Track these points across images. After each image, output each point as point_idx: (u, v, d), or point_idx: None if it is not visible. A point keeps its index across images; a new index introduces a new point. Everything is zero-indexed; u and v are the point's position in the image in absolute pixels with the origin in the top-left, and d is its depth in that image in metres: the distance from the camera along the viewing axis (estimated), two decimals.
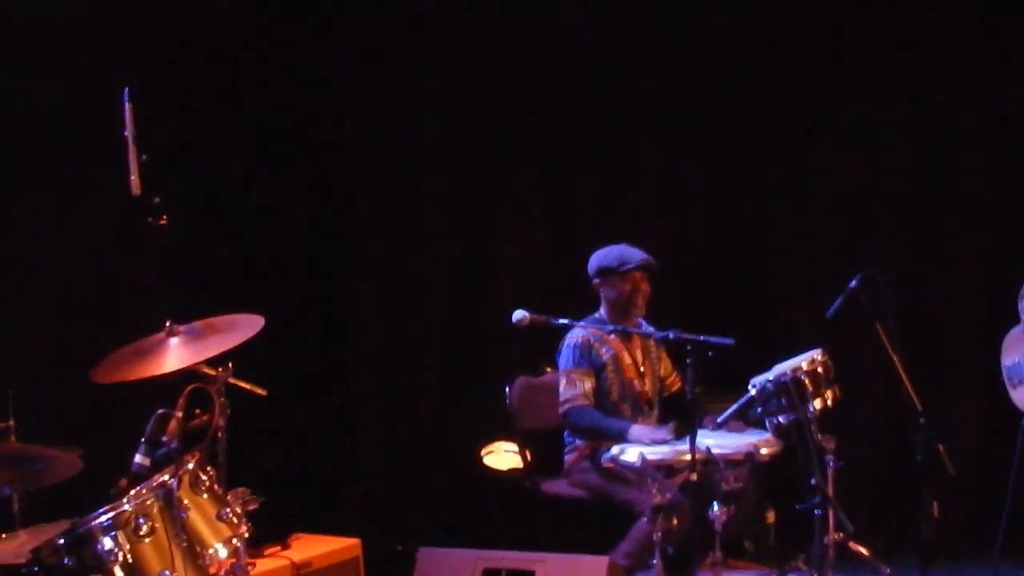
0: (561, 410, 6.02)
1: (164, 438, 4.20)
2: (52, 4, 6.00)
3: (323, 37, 7.41)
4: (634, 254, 6.03)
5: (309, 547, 5.59)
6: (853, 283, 5.66)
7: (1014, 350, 5.80)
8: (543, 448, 6.32)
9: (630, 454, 5.37)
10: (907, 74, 7.25)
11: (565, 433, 6.21)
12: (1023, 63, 7.07)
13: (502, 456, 6.61)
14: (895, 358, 5.54)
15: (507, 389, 6.40)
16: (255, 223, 7.11)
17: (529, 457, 6.32)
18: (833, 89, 7.29)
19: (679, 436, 5.51)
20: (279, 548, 5.52)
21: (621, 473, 5.57)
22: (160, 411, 4.21)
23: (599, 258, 6.12)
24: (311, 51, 7.36)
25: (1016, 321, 5.78)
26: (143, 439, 4.19)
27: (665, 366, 6.26)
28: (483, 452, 6.66)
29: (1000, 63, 7.13)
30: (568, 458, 6.18)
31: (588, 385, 6.01)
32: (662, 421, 6.05)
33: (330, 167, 7.55)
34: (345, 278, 7.61)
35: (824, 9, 7.27)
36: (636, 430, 5.76)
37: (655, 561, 5.26)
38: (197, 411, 4.35)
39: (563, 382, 6.04)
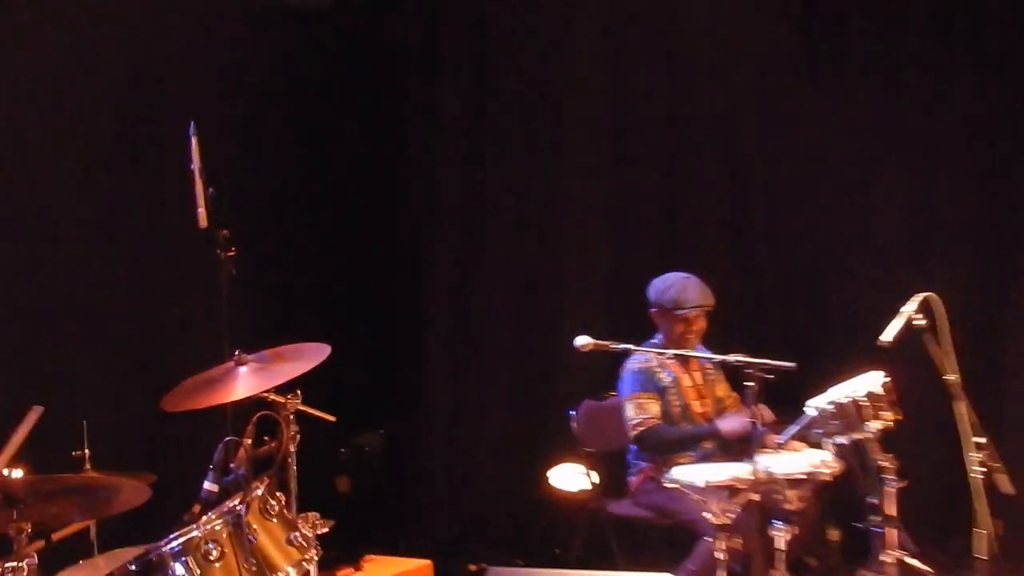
0: (634, 433, 5.89)
1: (232, 465, 4.10)
2: (121, 42, 5.97)
3: (388, 62, 7.30)
4: (690, 297, 5.90)
5: (381, 569, 5.50)
6: (910, 306, 5.43)
7: None
8: (608, 470, 6.21)
9: (694, 475, 5.20)
10: (966, 98, 7.00)
11: (629, 456, 6.09)
12: None
13: (570, 478, 6.49)
14: (952, 380, 5.31)
15: (572, 413, 6.25)
16: (324, 253, 7.07)
17: (596, 479, 6.15)
18: (895, 115, 7.09)
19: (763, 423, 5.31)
20: (352, 570, 5.40)
21: (686, 493, 5.31)
22: (228, 438, 4.12)
23: (657, 291, 6.00)
24: (374, 78, 7.31)
25: None
26: (211, 466, 4.10)
27: (723, 388, 6.11)
28: (550, 474, 6.56)
29: None
30: (633, 480, 6.07)
31: (656, 408, 5.90)
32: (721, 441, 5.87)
33: (395, 196, 7.50)
34: (415, 304, 7.53)
35: (885, 36, 7.09)
36: (726, 423, 5.68)
37: None
38: (266, 438, 4.26)
39: (630, 407, 5.92)
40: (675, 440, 5.85)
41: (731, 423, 5.68)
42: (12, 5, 5.65)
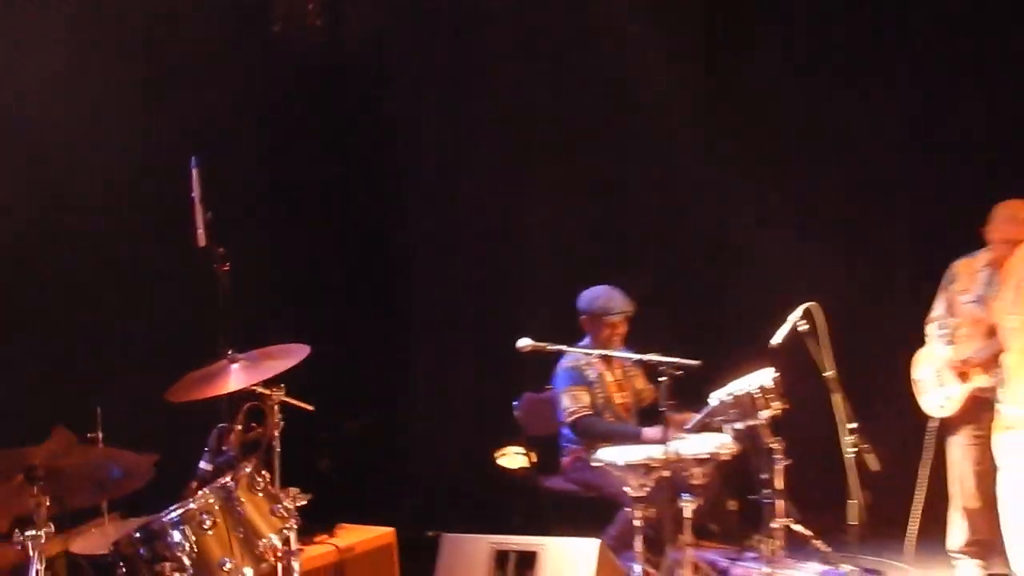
0: (569, 419, 5.85)
1: (224, 447, 4.12)
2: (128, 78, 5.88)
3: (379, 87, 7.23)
4: (615, 305, 5.90)
5: (352, 535, 5.37)
6: (796, 314, 5.49)
7: (922, 365, 5.66)
8: (544, 451, 6.13)
9: (615, 455, 5.21)
10: (845, 125, 7.02)
11: (562, 439, 6.02)
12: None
13: (512, 458, 6.43)
14: (829, 375, 5.40)
15: (515, 403, 6.19)
16: (313, 265, 6.98)
17: (534, 458, 6.10)
18: (783, 138, 7.12)
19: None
20: (326, 536, 5.26)
21: (609, 471, 5.31)
22: (221, 425, 4.13)
23: (587, 301, 5.98)
24: (360, 108, 7.21)
25: (923, 343, 5.68)
26: (206, 449, 4.12)
27: (641, 381, 6.07)
28: (497, 455, 6.49)
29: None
30: (565, 459, 6.01)
31: (587, 399, 5.86)
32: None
33: (378, 212, 7.39)
34: (391, 314, 7.43)
35: (778, 61, 7.10)
36: (649, 432, 5.62)
37: (636, 542, 5.09)
38: (254, 425, 4.23)
39: (566, 398, 5.88)
40: (604, 432, 5.78)
41: (653, 433, 5.55)
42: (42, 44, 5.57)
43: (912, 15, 6.89)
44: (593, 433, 5.82)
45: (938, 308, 5.57)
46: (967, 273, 5.47)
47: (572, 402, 5.84)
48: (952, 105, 6.77)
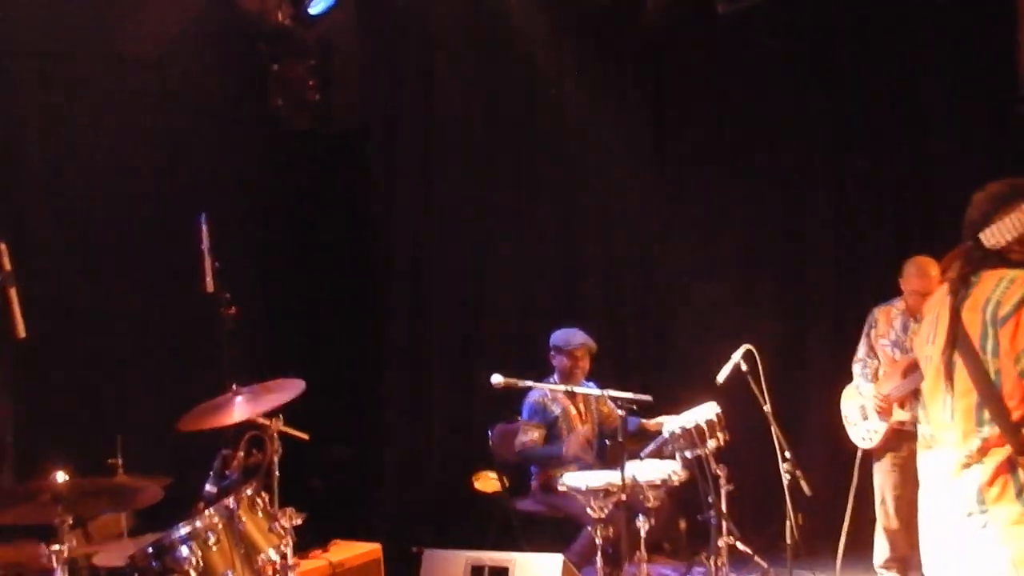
0: (516, 451, 5.94)
1: (228, 471, 4.14)
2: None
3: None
4: (576, 339, 5.94)
5: (344, 551, 5.36)
6: (737, 355, 5.53)
7: (849, 401, 5.70)
8: (515, 476, 6.15)
9: (578, 481, 5.26)
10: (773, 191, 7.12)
11: (532, 465, 6.04)
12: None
13: (487, 482, 6.39)
14: (765, 409, 5.42)
15: (489, 432, 6.18)
16: (308, 312, 7.01)
17: (506, 482, 6.08)
18: (724, 201, 7.17)
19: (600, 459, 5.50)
20: (321, 551, 5.27)
21: (572, 494, 5.35)
22: (224, 451, 4.16)
23: (554, 337, 6.05)
24: (342, 171, 7.23)
25: (851, 379, 5.70)
26: (212, 473, 4.14)
27: (606, 407, 6.00)
28: (473, 479, 6.45)
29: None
30: (534, 483, 6.03)
31: (537, 435, 5.89)
32: (599, 455, 5.92)
33: (360, 262, 7.38)
34: (373, 352, 7.40)
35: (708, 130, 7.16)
36: (566, 448, 5.69)
37: (597, 558, 5.13)
38: (255, 451, 4.27)
39: (520, 431, 5.95)
40: (538, 458, 5.88)
41: (571, 447, 5.67)
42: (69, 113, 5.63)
43: (841, 71, 6.95)
44: (530, 460, 5.93)
45: (861, 350, 5.62)
46: (885, 319, 5.54)
47: (523, 435, 5.91)
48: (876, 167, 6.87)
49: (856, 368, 5.64)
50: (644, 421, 5.68)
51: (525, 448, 5.89)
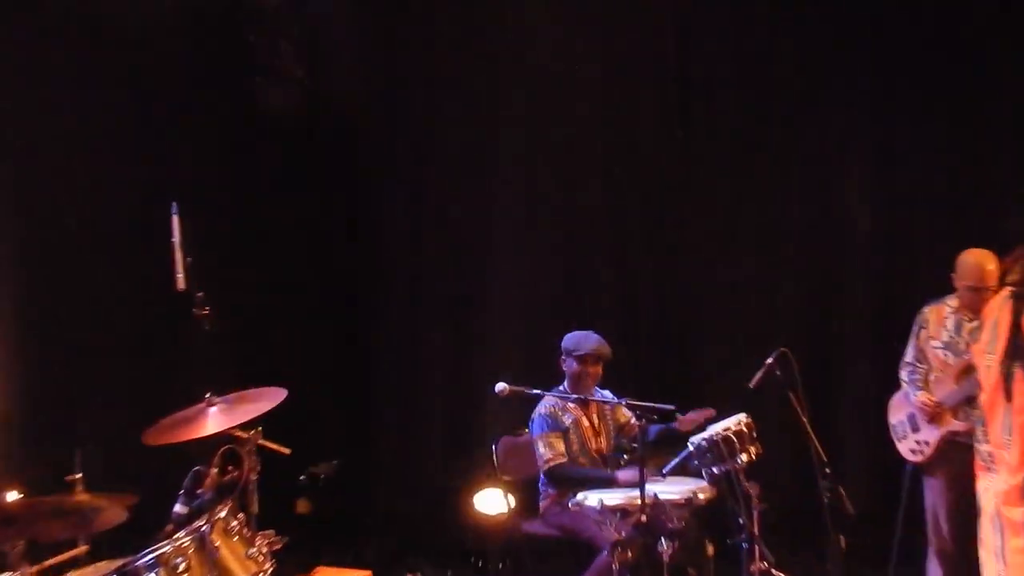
0: (545, 467, 5.66)
1: (199, 490, 4.02)
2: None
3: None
4: (589, 343, 5.72)
5: None
6: (770, 359, 5.41)
7: (898, 410, 5.57)
8: (522, 494, 5.95)
9: (592, 500, 5.08)
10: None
11: (540, 483, 5.84)
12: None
13: (491, 501, 6.25)
14: (804, 420, 5.29)
15: (493, 447, 6.02)
16: (290, 311, 6.92)
17: (513, 502, 5.89)
18: (749, 198, 7.10)
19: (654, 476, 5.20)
20: None
21: (586, 515, 5.19)
22: (197, 468, 4.04)
23: (565, 341, 5.83)
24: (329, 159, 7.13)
25: (898, 387, 5.57)
26: (182, 492, 4.03)
27: (623, 415, 5.82)
28: (475, 498, 6.32)
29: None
30: (543, 503, 5.82)
31: (561, 446, 5.68)
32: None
33: (349, 262, 7.32)
34: (366, 358, 7.35)
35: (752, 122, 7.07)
36: (623, 475, 5.44)
37: None
38: (230, 468, 4.13)
39: (540, 445, 5.69)
40: (579, 479, 5.58)
41: (628, 476, 5.41)
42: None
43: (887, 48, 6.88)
44: (567, 481, 5.64)
45: (909, 353, 5.51)
46: (936, 319, 5.43)
47: (547, 449, 5.67)
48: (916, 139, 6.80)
49: (904, 373, 5.52)
50: (680, 417, 5.36)
51: (557, 464, 5.63)
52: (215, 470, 4.05)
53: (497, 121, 7.29)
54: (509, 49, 7.17)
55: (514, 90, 7.25)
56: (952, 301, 5.38)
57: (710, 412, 5.39)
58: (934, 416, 5.31)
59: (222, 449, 4.09)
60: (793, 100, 6.97)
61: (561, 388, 5.77)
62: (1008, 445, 3.14)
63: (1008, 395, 3.13)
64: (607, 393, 5.78)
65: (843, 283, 7.02)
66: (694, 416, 5.39)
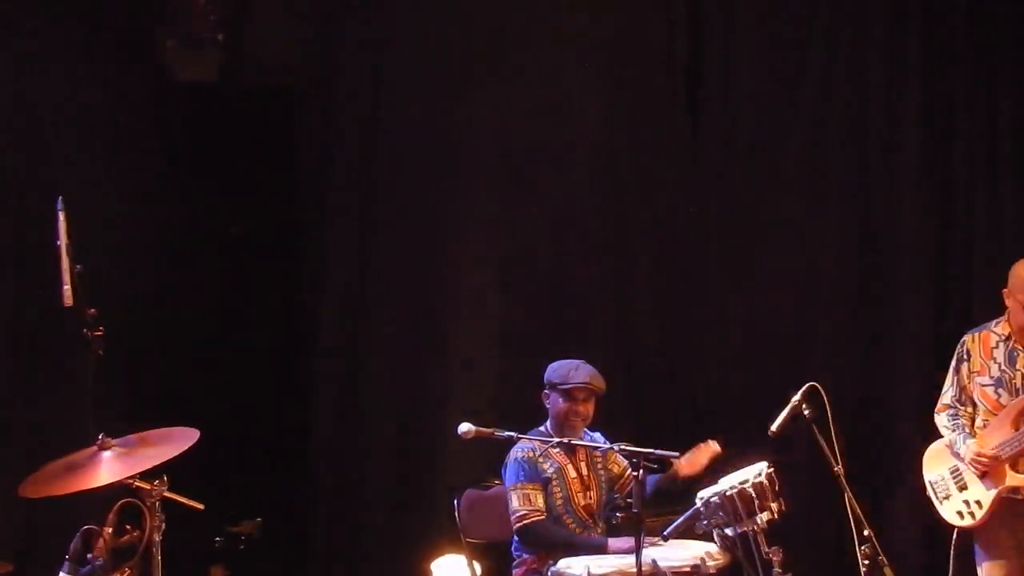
0: (517, 525, 5.69)
1: (90, 555, 4.05)
2: None
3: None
4: (579, 373, 5.76)
5: None
6: (796, 396, 5.46)
7: (936, 463, 5.64)
8: (491, 561, 6.03)
9: (577, 567, 5.16)
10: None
11: (512, 547, 5.87)
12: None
13: (452, 569, 6.25)
14: (837, 469, 5.35)
15: (455, 502, 6.07)
16: (202, 336, 6.91)
17: (479, 570, 5.95)
18: (778, 204, 7.29)
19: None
20: None
21: None
22: (86, 527, 4.07)
23: (550, 371, 5.88)
24: (263, 156, 7.19)
25: (936, 434, 5.67)
26: (67, 557, 4.05)
27: (618, 466, 5.89)
28: (433, 566, 6.33)
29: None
30: (516, 572, 5.84)
31: (540, 500, 5.70)
32: (609, 533, 5.76)
33: (281, 274, 7.34)
34: (298, 390, 7.35)
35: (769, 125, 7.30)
36: (614, 543, 5.48)
37: None
38: (128, 527, 4.17)
39: (514, 498, 5.72)
40: (562, 542, 5.62)
41: (621, 544, 5.45)
42: None
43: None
44: (546, 543, 5.68)
45: (948, 393, 5.58)
46: (982, 350, 5.49)
47: (522, 504, 5.69)
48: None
49: (943, 418, 5.59)
50: (677, 461, 5.43)
51: (533, 522, 5.66)
52: (110, 530, 4.07)
53: (469, 90, 7.32)
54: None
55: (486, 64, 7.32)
56: (999, 327, 5.47)
57: (714, 448, 5.46)
58: (987, 470, 5.37)
59: (119, 504, 4.11)
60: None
61: (542, 429, 5.81)
62: None
63: None
64: (598, 436, 5.82)
65: (886, 298, 7.14)
66: (695, 456, 5.47)
